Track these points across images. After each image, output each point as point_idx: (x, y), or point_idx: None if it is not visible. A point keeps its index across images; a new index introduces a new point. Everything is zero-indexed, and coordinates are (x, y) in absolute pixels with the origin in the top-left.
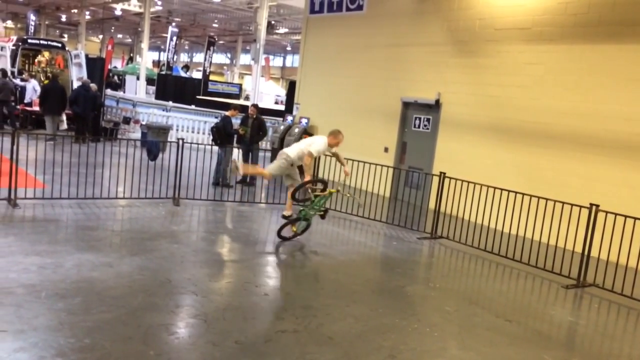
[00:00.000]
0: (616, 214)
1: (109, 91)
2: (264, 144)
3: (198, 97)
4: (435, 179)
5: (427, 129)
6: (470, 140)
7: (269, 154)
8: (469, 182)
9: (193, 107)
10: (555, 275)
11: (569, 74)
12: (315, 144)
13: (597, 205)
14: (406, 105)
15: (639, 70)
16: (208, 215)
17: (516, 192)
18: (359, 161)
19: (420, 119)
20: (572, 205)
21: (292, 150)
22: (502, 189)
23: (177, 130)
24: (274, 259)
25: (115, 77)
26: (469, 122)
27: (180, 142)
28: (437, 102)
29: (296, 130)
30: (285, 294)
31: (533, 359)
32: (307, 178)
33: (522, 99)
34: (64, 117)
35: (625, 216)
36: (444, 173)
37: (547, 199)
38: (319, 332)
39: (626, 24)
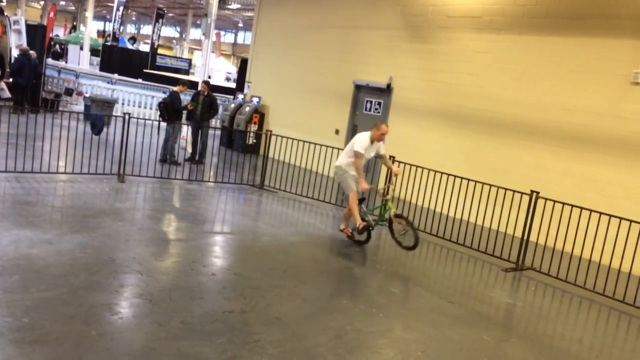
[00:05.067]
0: (555, 201)
1: (50, 60)
2: (215, 122)
3: (145, 70)
4: None
5: (378, 112)
6: (420, 125)
7: (218, 132)
8: (417, 166)
9: (140, 81)
10: (496, 258)
11: (516, 64)
12: (358, 141)
13: (538, 192)
14: (358, 88)
15: (582, 63)
16: (155, 192)
17: (462, 178)
18: (309, 142)
19: (371, 102)
20: (514, 191)
21: (340, 158)
22: (449, 174)
23: (122, 104)
24: (222, 238)
25: (57, 46)
26: (420, 107)
27: (127, 116)
28: (389, 86)
29: (247, 109)
30: (233, 274)
31: (473, 339)
32: (362, 184)
33: (471, 86)
34: (4, 85)
35: (563, 203)
36: (393, 157)
37: (491, 185)
38: (266, 312)
39: (572, 17)
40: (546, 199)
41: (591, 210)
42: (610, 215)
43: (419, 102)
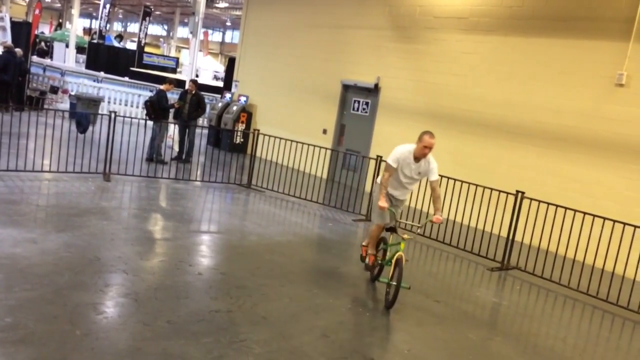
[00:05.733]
0: (540, 201)
1: (35, 58)
2: (202, 121)
3: (132, 69)
4: (372, 162)
5: (366, 112)
6: (407, 124)
7: (206, 131)
8: None
9: (126, 79)
10: (482, 258)
11: (502, 65)
12: (394, 151)
13: (523, 192)
14: (346, 87)
15: (568, 64)
16: (141, 191)
17: (448, 177)
18: (296, 142)
19: (359, 102)
20: (499, 191)
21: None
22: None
23: (108, 102)
24: (209, 238)
25: (43, 44)
26: (407, 107)
27: (113, 115)
28: (376, 86)
29: (234, 108)
30: (219, 274)
31: (459, 337)
32: (381, 201)
33: (457, 86)
34: None
35: (548, 203)
36: (381, 157)
37: (477, 185)
38: (253, 312)
39: (558, 19)
40: (531, 199)
41: (575, 210)
42: (594, 215)
43: (406, 102)
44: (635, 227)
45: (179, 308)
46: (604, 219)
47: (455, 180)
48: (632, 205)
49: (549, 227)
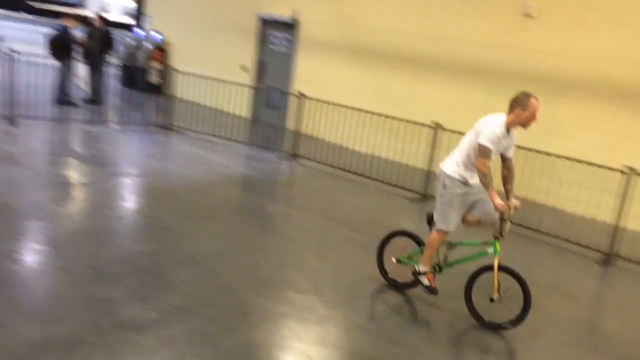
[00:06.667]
0: (453, 132)
1: None
2: (113, 59)
3: (29, 2)
4: (295, 100)
5: (286, 48)
6: (327, 60)
7: (117, 72)
8: (326, 102)
9: (24, 14)
10: (402, 189)
11: None
12: (486, 128)
13: (440, 124)
14: (264, 22)
15: None
16: (52, 135)
17: (364, 111)
18: (216, 80)
19: (278, 37)
20: (416, 123)
21: (449, 159)
22: (356, 109)
23: (6, 41)
24: (130, 181)
25: None
26: (326, 41)
27: (14, 54)
28: (295, 20)
29: (147, 45)
30: (141, 217)
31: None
32: (495, 200)
33: (374, 19)
34: None
35: (462, 133)
36: (303, 93)
37: (395, 118)
38: (179, 252)
39: None
40: (448, 130)
41: None
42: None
43: (326, 36)
44: (539, 151)
45: (100, 252)
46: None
47: (373, 113)
48: (539, 133)
49: None
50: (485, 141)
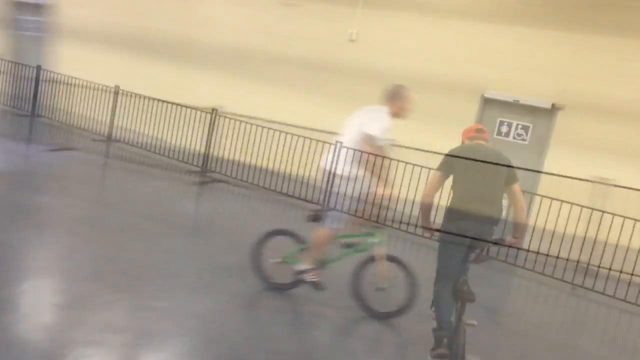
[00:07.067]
0: (231, 118)
1: None
2: None
3: None
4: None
5: (38, 32)
6: (94, 48)
7: None
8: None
9: None
10: (184, 174)
11: None
12: (371, 117)
13: (217, 110)
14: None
15: None
16: None
17: (139, 95)
18: None
19: (28, 20)
20: (195, 109)
21: (339, 164)
22: (129, 93)
23: None
24: None
25: None
26: (94, 27)
27: None
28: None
29: None
30: None
31: (161, 247)
32: (378, 188)
33: (142, 3)
34: None
35: (240, 120)
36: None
37: (175, 104)
38: None
39: None
40: (225, 116)
41: (267, 127)
42: (281, 131)
43: (91, 20)
44: (311, 137)
45: None
46: (281, 132)
47: (154, 99)
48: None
49: (241, 140)
50: (373, 130)
